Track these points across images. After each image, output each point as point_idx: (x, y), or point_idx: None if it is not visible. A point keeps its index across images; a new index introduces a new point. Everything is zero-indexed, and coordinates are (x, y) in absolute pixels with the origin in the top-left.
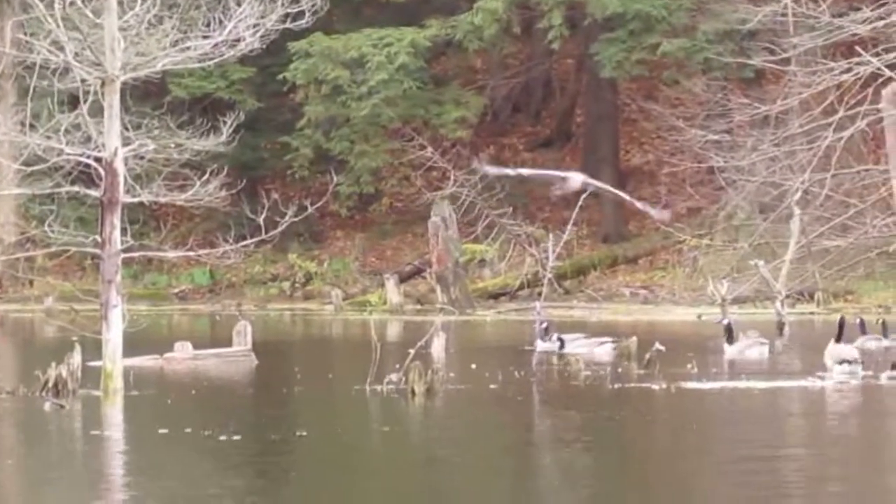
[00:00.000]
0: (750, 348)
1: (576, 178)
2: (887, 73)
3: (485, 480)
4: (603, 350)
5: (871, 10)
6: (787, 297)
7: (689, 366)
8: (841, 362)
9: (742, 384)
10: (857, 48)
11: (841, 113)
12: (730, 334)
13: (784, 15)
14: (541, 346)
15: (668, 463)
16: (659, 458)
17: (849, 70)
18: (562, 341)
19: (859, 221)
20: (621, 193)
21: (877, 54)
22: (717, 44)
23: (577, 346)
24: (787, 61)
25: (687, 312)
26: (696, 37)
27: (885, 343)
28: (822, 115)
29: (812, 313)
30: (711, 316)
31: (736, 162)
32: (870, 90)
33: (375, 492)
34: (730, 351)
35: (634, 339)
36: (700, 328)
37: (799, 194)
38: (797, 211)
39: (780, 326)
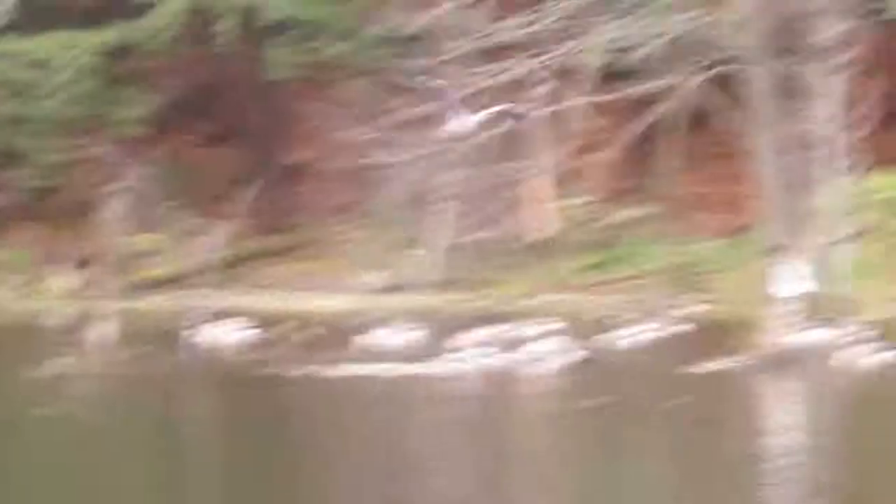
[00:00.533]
0: (405, 333)
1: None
2: (536, 74)
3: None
4: (244, 335)
5: (524, 17)
6: (434, 285)
7: (342, 349)
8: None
9: (390, 366)
10: (510, 52)
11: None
12: (379, 320)
13: (442, 20)
14: (208, 333)
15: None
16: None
17: (500, 73)
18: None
19: (503, 215)
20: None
21: (530, 58)
22: (378, 47)
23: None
24: (443, 64)
25: (341, 300)
26: (359, 41)
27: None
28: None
29: (457, 301)
30: (362, 304)
31: (390, 159)
32: (519, 91)
33: None
34: (379, 336)
35: (292, 324)
36: (352, 315)
37: (449, 190)
38: (444, 206)
39: (425, 313)
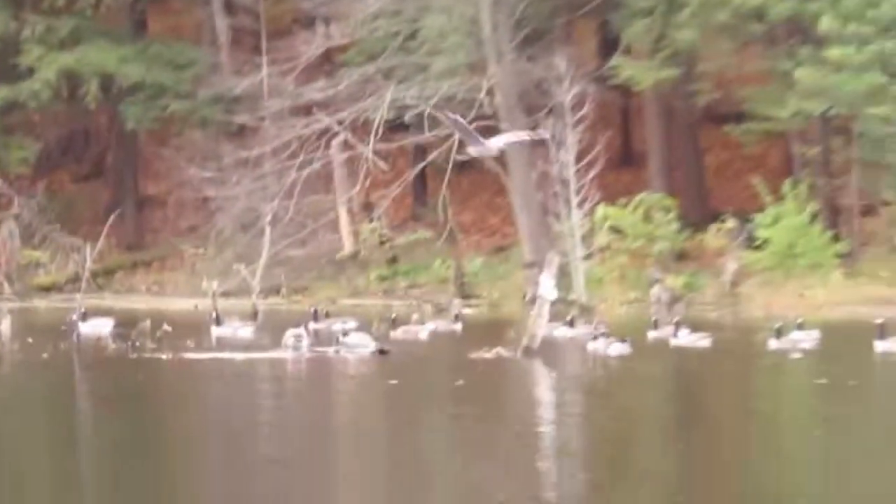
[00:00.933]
0: (239, 329)
1: (493, 144)
2: (336, 127)
3: None
4: (111, 329)
5: (326, 82)
6: (261, 292)
7: (188, 342)
8: (290, 338)
9: (227, 355)
10: (315, 109)
11: (301, 157)
12: (218, 318)
13: (261, 84)
14: (81, 328)
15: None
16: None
17: (308, 125)
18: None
19: (314, 236)
20: (527, 135)
21: (329, 114)
22: (212, 105)
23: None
24: (262, 118)
25: (187, 303)
26: (196, 100)
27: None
28: (288, 158)
29: (279, 304)
30: (204, 306)
31: (224, 192)
32: (323, 140)
33: None
34: (218, 331)
35: (148, 321)
36: (196, 315)
37: (270, 216)
38: (268, 229)
39: (255, 314)
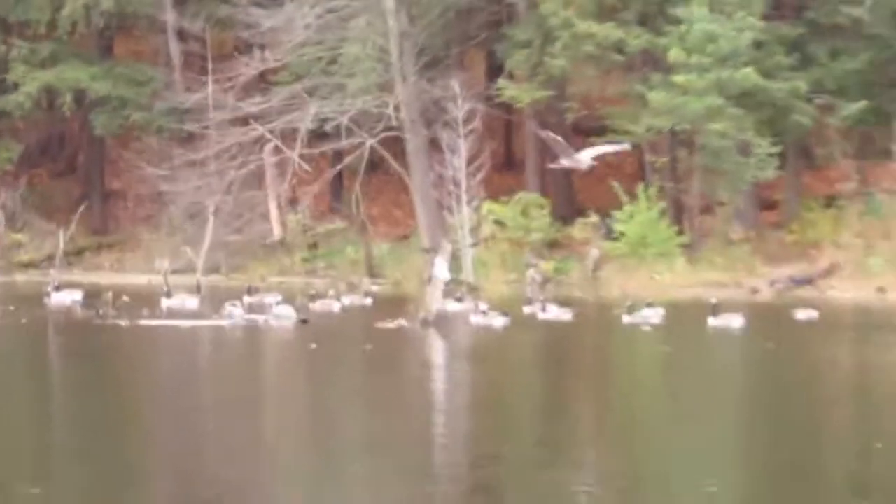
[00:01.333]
0: (186, 301)
1: (585, 157)
2: (268, 135)
3: None
4: (80, 299)
5: (260, 97)
6: (204, 270)
7: (143, 311)
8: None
9: (175, 322)
10: (251, 120)
11: (239, 159)
12: (168, 292)
13: (207, 98)
14: (55, 298)
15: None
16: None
17: (245, 133)
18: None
19: (249, 225)
20: (612, 147)
21: (262, 124)
22: (166, 115)
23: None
24: (207, 127)
25: (143, 279)
26: (153, 111)
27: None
28: (228, 160)
29: (219, 281)
30: (156, 282)
31: (175, 188)
32: (258, 145)
33: None
34: (168, 302)
35: (110, 293)
36: (150, 289)
37: (213, 208)
38: (211, 218)
39: (199, 288)
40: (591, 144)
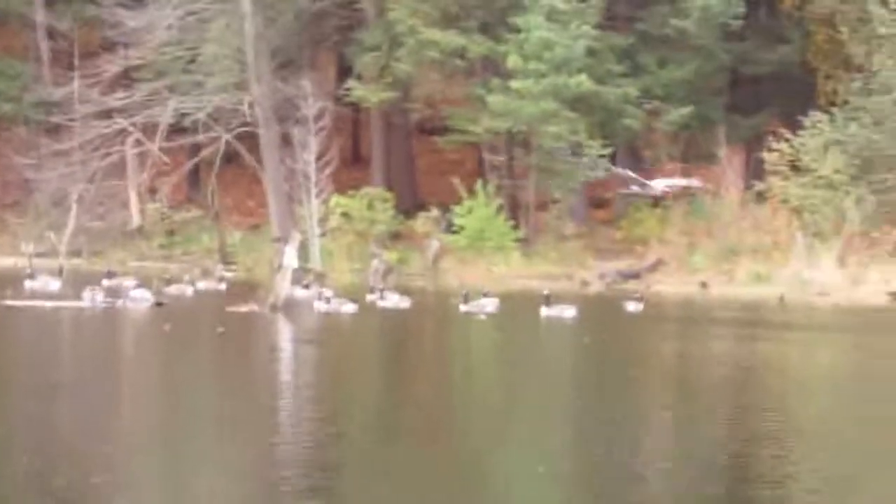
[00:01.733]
0: (49, 283)
1: (656, 185)
2: (130, 129)
3: None
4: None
5: (123, 92)
6: (67, 254)
7: (7, 291)
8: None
9: (38, 303)
10: (114, 114)
11: (102, 150)
12: (32, 274)
13: (73, 92)
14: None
15: None
16: None
17: (108, 126)
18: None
19: (110, 212)
20: (692, 182)
21: (125, 118)
22: (34, 107)
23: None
24: (73, 119)
25: (8, 261)
26: (23, 103)
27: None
28: (92, 151)
29: (80, 264)
30: (21, 264)
31: (41, 176)
32: (120, 138)
33: None
34: (31, 284)
35: None
36: (15, 271)
37: (76, 195)
38: (74, 205)
39: (61, 271)
40: (434, 143)
